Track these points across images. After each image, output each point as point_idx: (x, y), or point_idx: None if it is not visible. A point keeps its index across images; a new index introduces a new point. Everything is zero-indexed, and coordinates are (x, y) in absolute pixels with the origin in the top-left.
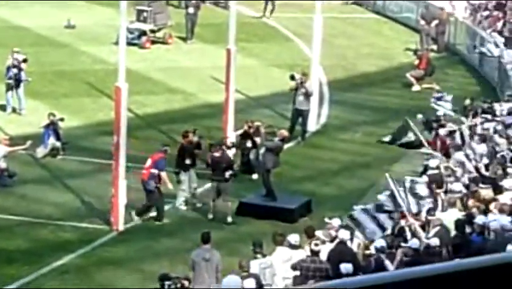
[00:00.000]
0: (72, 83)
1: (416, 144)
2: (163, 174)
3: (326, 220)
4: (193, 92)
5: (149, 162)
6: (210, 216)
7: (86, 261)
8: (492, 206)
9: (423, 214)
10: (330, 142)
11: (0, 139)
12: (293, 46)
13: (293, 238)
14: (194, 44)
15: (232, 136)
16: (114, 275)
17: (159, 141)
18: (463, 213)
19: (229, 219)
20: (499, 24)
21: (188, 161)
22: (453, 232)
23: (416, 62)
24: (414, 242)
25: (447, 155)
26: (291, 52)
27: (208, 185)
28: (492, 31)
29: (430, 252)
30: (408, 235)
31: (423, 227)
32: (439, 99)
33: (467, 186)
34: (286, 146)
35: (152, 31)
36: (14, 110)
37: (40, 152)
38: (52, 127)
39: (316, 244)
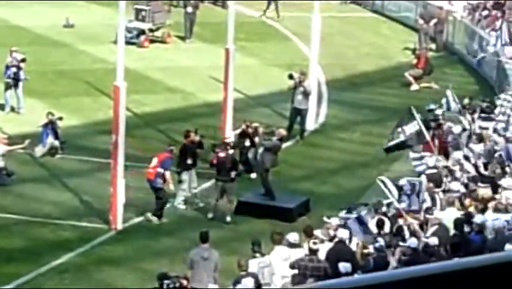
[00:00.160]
0: (71, 82)
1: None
2: (167, 174)
3: (325, 219)
4: (192, 91)
5: (155, 161)
6: (210, 215)
7: (85, 259)
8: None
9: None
10: (329, 142)
11: None
12: (291, 45)
13: (292, 236)
14: (192, 43)
15: (231, 136)
16: (113, 274)
17: (157, 140)
18: (462, 212)
19: (228, 218)
20: (498, 24)
21: (189, 161)
22: (452, 231)
23: (415, 61)
24: (412, 242)
25: (445, 155)
26: (289, 51)
27: (207, 184)
28: (491, 30)
29: (429, 251)
30: (407, 234)
31: (421, 226)
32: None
33: (465, 186)
34: (284, 145)
35: (151, 30)
36: (12, 109)
37: (39, 150)
38: (51, 126)
39: (314, 243)
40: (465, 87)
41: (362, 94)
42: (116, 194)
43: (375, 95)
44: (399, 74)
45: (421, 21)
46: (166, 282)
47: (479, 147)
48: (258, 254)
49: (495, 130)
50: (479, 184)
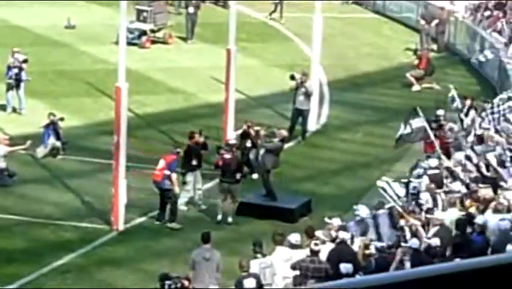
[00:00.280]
0: (72, 83)
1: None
2: (174, 176)
3: (326, 219)
4: (193, 92)
5: (162, 163)
6: (219, 217)
7: (86, 260)
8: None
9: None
10: (331, 142)
11: (0, 139)
12: (293, 45)
13: (294, 237)
14: (194, 44)
15: (232, 137)
16: (114, 275)
17: (159, 141)
18: (463, 213)
19: (230, 219)
20: (499, 24)
21: (194, 162)
22: (453, 232)
23: (416, 62)
24: (414, 242)
25: (447, 155)
26: (291, 52)
27: (209, 185)
28: (492, 30)
29: (431, 252)
30: (408, 234)
31: (422, 226)
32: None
33: (467, 186)
34: (286, 146)
35: (152, 31)
36: (14, 110)
37: (40, 151)
38: (52, 127)
39: (316, 244)
40: (466, 88)
41: (363, 95)
42: (118, 195)
43: (377, 96)
44: (400, 75)
45: (422, 22)
46: (168, 282)
47: (480, 148)
48: (259, 255)
49: (497, 131)
50: (480, 185)
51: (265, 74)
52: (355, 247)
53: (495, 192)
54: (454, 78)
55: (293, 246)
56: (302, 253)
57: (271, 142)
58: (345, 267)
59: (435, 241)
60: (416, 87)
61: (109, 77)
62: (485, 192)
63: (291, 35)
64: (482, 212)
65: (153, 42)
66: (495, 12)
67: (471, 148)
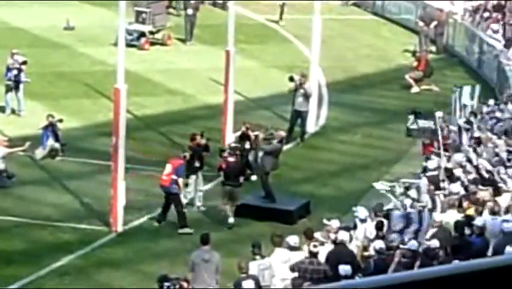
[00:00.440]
0: (71, 84)
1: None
2: (180, 180)
3: (325, 221)
4: (192, 93)
5: (169, 168)
6: (231, 220)
7: (85, 262)
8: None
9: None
10: (329, 144)
11: None
12: (292, 47)
13: (292, 239)
14: (193, 45)
15: (231, 139)
16: (113, 276)
17: (158, 143)
18: (462, 214)
19: (231, 220)
20: (496, 26)
21: (197, 164)
22: (452, 234)
23: (415, 63)
24: (412, 244)
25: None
26: (290, 54)
27: (208, 187)
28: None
29: (430, 254)
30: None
31: None
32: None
33: (465, 188)
34: (285, 147)
35: (151, 32)
36: (13, 111)
37: (39, 153)
38: (51, 128)
39: (315, 246)
40: None
41: (362, 96)
42: (116, 196)
43: (375, 97)
44: (399, 77)
45: (421, 24)
46: (166, 284)
47: (479, 150)
48: (258, 257)
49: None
50: (480, 186)
51: (264, 75)
52: (354, 248)
53: (494, 194)
54: (453, 80)
55: (292, 248)
56: (301, 255)
57: (269, 144)
58: (344, 269)
59: (435, 243)
60: (415, 89)
61: (108, 78)
62: (484, 194)
63: (290, 36)
64: (481, 214)
65: (152, 43)
66: (494, 14)
67: (474, 150)
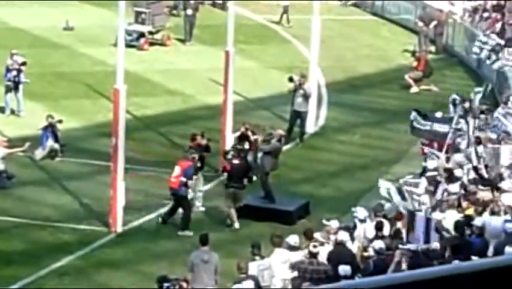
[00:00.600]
0: (71, 84)
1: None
2: (190, 182)
3: (324, 221)
4: (192, 94)
5: (177, 170)
6: (237, 225)
7: (85, 262)
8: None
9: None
10: (329, 144)
11: None
12: (291, 47)
13: (292, 239)
14: (192, 46)
15: (230, 139)
16: (112, 277)
17: (157, 143)
18: (461, 215)
19: (234, 223)
20: (498, 26)
21: (197, 164)
22: (452, 234)
23: (414, 63)
24: (412, 244)
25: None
26: (289, 54)
27: (207, 187)
28: (490, 32)
29: (429, 254)
30: (405, 236)
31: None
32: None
33: (465, 188)
34: (284, 148)
35: (151, 33)
36: (12, 112)
37: (39, 153)
38: (51, 129)
39: (315, 246)
40: (465, 90)
41: (362, 97)
42: (116, 197)
43: (375, 97)
44: (398, 77)
45: (421, 24)
46: (166, 284)
47: (479, 150)
48: (257, 257)
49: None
50: (480, 187)
51: (263, 76)
52: (354, 248)
53: (494, 194)
54: (452, 80)
55: (292, 248)
56: (300, 255)
57: (268, 144)
58: (343, 269)
59: (435, 245)
60: (414, 89)
61: (108, 79)
62: (484, 194)
63: (289, 37)
64: (480, 214)
65: (152, 44)
66: (493, 14)
67: (475, 150)
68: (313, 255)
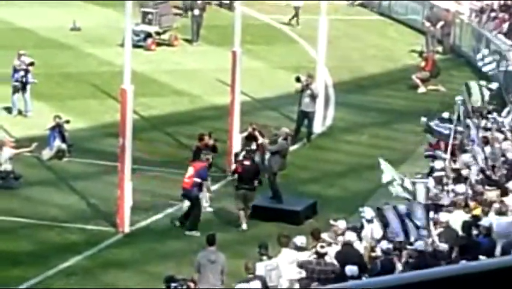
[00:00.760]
0: (78, 85)
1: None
2: (207, 183)
3: (332, 222)
4: (199, 94)
5: (191, 171)
6: (244, 226)
7: (92, 262)
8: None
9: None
10: (336, 144)
11: (6, 141)
12: (298, 47)
13: (299, 239)
14: (199, 46)
15: (238, 140)
16: (120, 277)
17: (164, 143)
18: (469, 215)
19: (244, 226)
20: (505, 26)
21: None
22: (459, 234)
23: (423, 64)
24: (419, 244)
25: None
26: (296, 54)
27: (214, 187)
28: (497, 33)
29: (437, 254)
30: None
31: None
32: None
33: (473, 188)
34: (292, 148)
35: (158, 33)
36: (20, 112)
37: (46, 154)
38: (58, 129)
39: (322, 247)
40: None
41: (369, 97)
42: (123, 197)
43: (382, 97)
44: (405, 77)
45: (428, 24)
46: (173, 284)
47: (486, 150)
48: (265, 257)
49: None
50: (487, 187)
51: (270, 76)
52: (361, 249)
53: (501, 195)
54: (459, 80)
55: (299, 248)
56: (308, 256)
57: (275, 144)
58: (350, 270)
59: (443, 247)
60: (422, 89)
61: (115, 79)
62: (491, 195)
63: (296, 37)
64: (487, 214)
65: (159, 44)
66: (500, 15)
67: (482, 150)
68: (321, 255)
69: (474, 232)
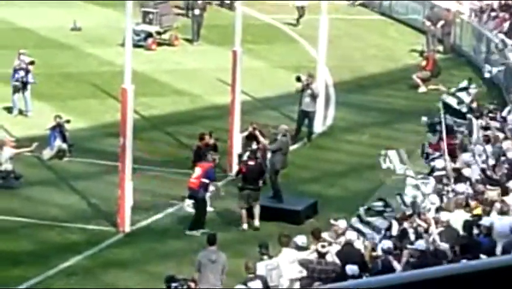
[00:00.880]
0: (78, 85)
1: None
2: (216, 184)
3: (332, 221)
4: (199, 94)
5: (198, 171)
6: (245, 226)
7: (93, 262)
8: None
9: (431, 213)
10: (337, 144)
11: (6, 141)
12: (298, 47)
13: (300, 239)
14: (200, 45)
15: (238, 139)
16: (120, 277)
17: (165, 143)
18: (469, 214)
19: (257, 223)
20: (506, 25)
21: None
22: (460, 233)
23: (423, 63)
24: (420, 244)
25: (453, 156)
26: (297, 54)
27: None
28: (498, 32)
29: (438, 254)
30: (412, 236)
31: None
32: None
33: (473, 188)
34: (292, 148)
35: (158, 33)
36: (20, 112)
37: (46, 153)
38: (58, 129)
39: (323, 246)
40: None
41: (369, 96)
42: (124, 197)
43: (383, 97)
44: (406, 76)
45: (428, 24)
46: (174, 284)
47: (487, 149)
48: (265, 257)
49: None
50: (488, 186)
51: (271, 76)
52: (362, 248)
53: (502, 194)
54: (460, 80)
55: (299, 248)
56: (307, 254)
57: (275, 143)
58: (351, 269)
59: (445, 247)
60: (422, 89)
61: (116, 79)
62: (493, 194)
63: (297, 36)
64: (488, 214)
65: (159, 44)
66: (501, 14)
67: (484, 149)
68: (322, 255)
69: (475, 231)
